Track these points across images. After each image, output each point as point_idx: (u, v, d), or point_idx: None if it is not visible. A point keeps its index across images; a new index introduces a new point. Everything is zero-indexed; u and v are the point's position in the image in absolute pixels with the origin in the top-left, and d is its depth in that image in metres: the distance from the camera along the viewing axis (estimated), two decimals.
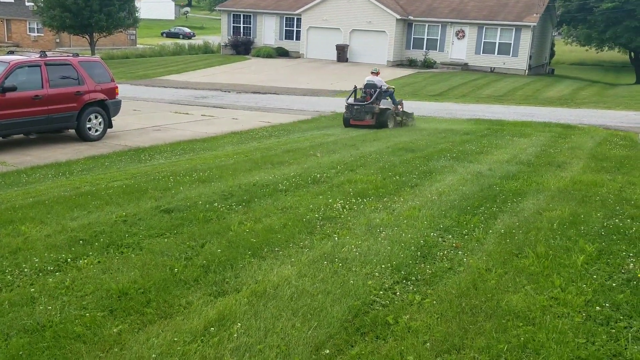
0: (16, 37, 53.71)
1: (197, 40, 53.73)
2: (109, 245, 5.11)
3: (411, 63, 35.49)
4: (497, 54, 34.17)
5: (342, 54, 36.33)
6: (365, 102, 15.00)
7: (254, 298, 3.99)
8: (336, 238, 5.38)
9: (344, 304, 3.90)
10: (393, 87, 16.37)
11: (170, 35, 69.31)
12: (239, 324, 3.59)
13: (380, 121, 15.05)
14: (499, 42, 34.10)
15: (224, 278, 4.41)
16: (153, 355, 3.24)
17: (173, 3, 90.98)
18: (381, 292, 4.17)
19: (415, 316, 3.79)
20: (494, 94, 25.61)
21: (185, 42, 52.35)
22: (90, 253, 4.91)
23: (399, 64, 35.63)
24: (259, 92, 25.16)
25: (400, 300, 4.06)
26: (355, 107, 15.00)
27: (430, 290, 4.24)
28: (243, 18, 40.55)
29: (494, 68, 34.08)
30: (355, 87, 15.68)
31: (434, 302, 4.02)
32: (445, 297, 4.09)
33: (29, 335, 3.44)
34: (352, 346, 3.42)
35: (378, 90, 15.09)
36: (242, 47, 39.83)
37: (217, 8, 47.62)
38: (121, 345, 3.37)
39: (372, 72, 15.70)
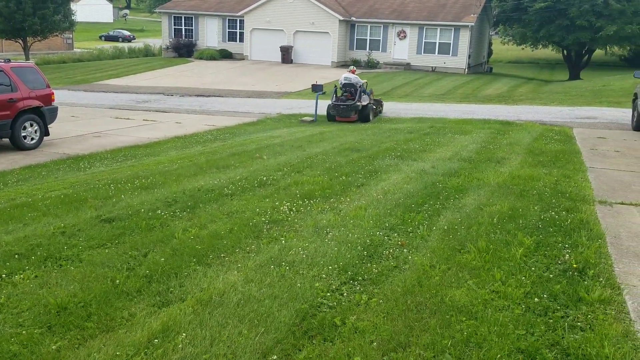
0: None
1: (138, 43, 52.50)
2: (46, 259, 4.92)
3: (355, 63, 35.85)
4: (438, 53, 34.98)
5: (286, 55, 36.32)
6: (350, 102, 16.88)
7: (200, 307, 3.92)
8: (283, 241, 5.36)
9: (291, 308, 3.89)
10: (365, 80, 18.20)
11: (109, 38, 67.46)
12: (184, 334, 3.52)
13: (362, 116, 17.01)
14: (439, 42, 34.91)
15: (168, 287, 4.32)
16: None
17: (111, 6, 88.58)
18: (328, 294, 4.18)
19: (362, 316, 3.82)
20: (436, 93, 26.20)
21: (125, 45, 51.03)
22: (27, 267, 4.71)
23: (343, 64, 35.91)
24: (203, 95, 24.81)
25: (348, 301, 4.08)
26: (341, 106, 16.94)
27: (377, 289, 4.28)
28: (184, 20, 39.92)
29: (435, 67, 34.86)
30: (336, 86, 17.69)
31: (381, 301, 4.06)
32: (391, 295, 4.14)
33: None
34: (300, 350, 3.41)
35: (358, 89, 16.92)
36: (184, 49, 39.21)
37: (157, 10, 46.64)
38: None
39: (348, 70, 17.48)
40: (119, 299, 4.08)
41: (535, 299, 4.06)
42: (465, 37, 34.10)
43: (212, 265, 4.79)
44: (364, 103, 16.97)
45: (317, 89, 18.01)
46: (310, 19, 35.63)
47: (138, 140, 13.69)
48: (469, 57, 35.04)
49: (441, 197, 7.03)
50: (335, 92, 17.43)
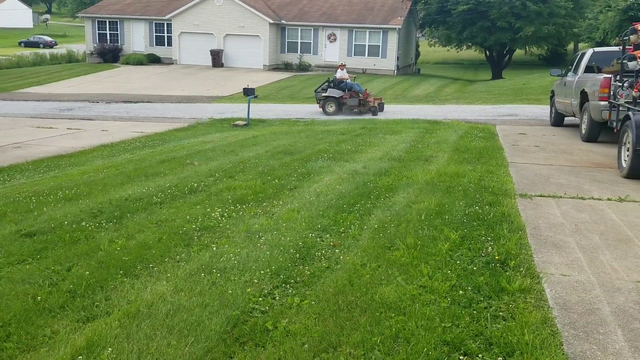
0: None
1: (60, 49, 50.42)
2: None
3: (287, 66, 35.94)
4: (368, 55, 35.62)
5: (217, 59, 35.92)
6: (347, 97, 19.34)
7: (126, 320, 3.81)
8: (214, 248, 5.30)
9: (222, 315, 3.85)
10: (350, 76, 20.54)
11: (30, 44, 64.43)
12: (110, 348, 3.41)
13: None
14: (369, 45, 35.56)
15: (93, 302, 4.17)
16: None
17: (31, 10, 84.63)
18: (260, 299, 4.17)
19: (294, 319, 3.83)
20: None
21: (47, 51, 48.90)
22: None
23: (275, 67, 35.91)
24: (131, 101, 24.14)
25: (280, 305, 4.08)
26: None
27: (309, 291, 4.31)
28: (109, 24, 38.72)
29: (365, 69, 35.46)
30: (328, 79, 20.33)
31: (313, 302, 4.08)
32: (323, 296, 4.17)
33: None
34: (231, 357, 3.38)
35: (351, 84, 19.64)
36: (109, 54, 38.04)
37: (79, 15, 44.99)
38: None
39: (339, 67, 20.40)
40: (40, 317, 3.90)
41: (460, 292, 4.21)
42: (393, 40, 34.90)
43: (140, 277, 4.67)
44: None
45: (249, 92, 17.92)
46: (239, 22, 35.40)
47: (62, 149, 13.14)
48: (398, 59, 35.89)
49: (372, 197, 7.15)
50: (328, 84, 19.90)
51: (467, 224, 5.84)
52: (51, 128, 16.76)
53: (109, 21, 38.52)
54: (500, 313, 3.91)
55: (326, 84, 19.77)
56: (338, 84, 19.50)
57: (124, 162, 10.94)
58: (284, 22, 35.86)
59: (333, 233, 5.76)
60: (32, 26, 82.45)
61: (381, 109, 19.73)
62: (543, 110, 18.29)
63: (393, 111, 19.81)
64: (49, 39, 67.21)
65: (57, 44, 64.14)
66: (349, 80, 19.71)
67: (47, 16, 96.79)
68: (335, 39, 35.75)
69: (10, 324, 3.79)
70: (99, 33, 38.84)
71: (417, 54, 49.45)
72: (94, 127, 17.08)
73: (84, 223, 6.18)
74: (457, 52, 50.16)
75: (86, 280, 4.50)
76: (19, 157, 12.15)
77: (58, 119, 18.94)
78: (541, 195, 7.40)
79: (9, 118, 19.11)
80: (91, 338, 3.53)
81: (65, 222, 6.20)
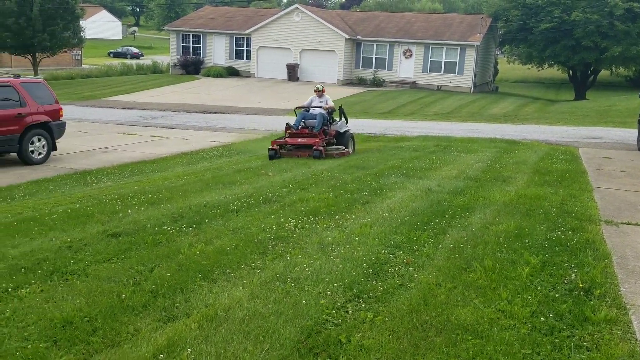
0: None
1: (146, 60, 53.02)
2: (52, 273, 4.93)
3: (361, 81, 36.09)
4: (444, 72, 35.18)
5: (292, 73, 36.60)
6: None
7: (205, 322, 3.92)
8: (288, 258, 5.37)
9: (297, 325, 3.89)
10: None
11: (118, 55, 68.17)
12: (189, 349, 3.52)
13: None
14: (445, 61, 35.12)
15: (173, 303, 4.32)
16: None
17: (120, 23, 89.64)
18: (333, 311, 4.17)
19: (367, 334, 3.81)
20: (441, 112, 26.29)
21: (133, 62, 51.55)
22: (33, 281, 4.72)
23: (348, 82, 36.15)
24: (210, 112, 24.99)
25: (353, 319, 4.07)
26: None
27: (382, 307, 4.27)
28: (192, 38, 40.35)
29: (441, 86, 35.02)
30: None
31: (386, 319, 4.05)
32: (396, 313, 4.13)
33: None
34: None
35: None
36: (191, 66, 39.57)
37: (165, 28, 47.19)
38: None
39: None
40: (124, 314, 4.08)
41: (542, 318, 4.04)
42: (471, 57, 34.31)
43: (217, 281, 4.80)
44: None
45: None
46: (316, 37, 35.95)
47: (145, 156, 13.77)
48: (475, 76, 35.22)
49: (447, 216, 7.03)
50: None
51: (549, 249, 5.61)
52: (135, 135, 17.61)
53: (193, 34, 40.17)
54: (584, 343, 3.73)
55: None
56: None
57: (203, 170, 11.33)
58: (359, 37, 36.10)
59: (406, 250, 5.69)
60: (120, 38, 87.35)
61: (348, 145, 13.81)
62: (630, 134, 17.36)
63: (469, 129, 19.41)
64: (135, 50, 70.90)
65: (143, 55, 67.53)
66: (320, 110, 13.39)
67: (135, 28, 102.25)
68: (411, 55, 35.59)
69: (97, 319, 3.99)
70: (182, 46, 40.57)
71: (496, 72, 48.33)
72: (175, 136, 17.79)
73: (165, 226, 6.43)
74: (538, 70, 48.59)
75: (167, 282, 4.67)
76: (106, 161, 12.84)
77: (142, 127, 19.88)
78: (628, 223, 7.01)
79: (97, 124, 20.25)
80: (172, 338, 3.66)
81: (148, 225, 6.48)
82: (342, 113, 14.06)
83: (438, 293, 4.51)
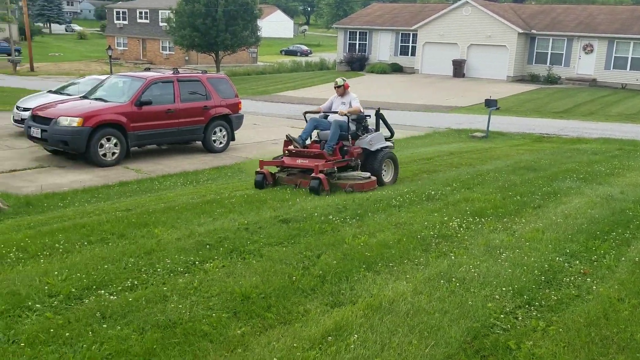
0: (150, 55, 58.47)
1: (314, 58, 55.27)
2: (232, 251, 5.38)
3: (533, 78, 34.00)
4: (630, 69, 31.76)
5: (458, 69, 35.62)
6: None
7: (370, 311, 4.01)
8: (452, 257, 5.27)
9: (462, 325, 3.81)
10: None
11: (289, 52, 71.88)
12: (356, 335, 3.63)
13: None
14: (632, 57, 31.67)
15: (339, 289, 4.48)
16: (274, 359, 3.36)
17: (292, 22, 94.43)
18: (502, 316, 4.02)
19: (539, 343, 3.61)
20: (625, 112, 23.79)
21: (303, 59, 54.03)
22: (216, 257, 5.20)
23: (519, 79, 34.26)
24: (372, 108, 25.27)
25: (523, 326, 3.89)
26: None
27: (556, 317, 4.02)
28: (359, 35, 41.12)
29: (626, 84, 31.67)
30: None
31: (560, 330, 3.80)
32: (572, 325, 3.85)
33: (162, 331, 3.71)
34: None
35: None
36: (356, 63, 40.36)
37: (334, 26, 48.74)
38: (244, 346, 3.54)
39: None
40: (295, 295, 4.33)
41: None
42: None
43: (380, 273, 4.88)
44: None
45: (490, 103, 17.41)
46: (486, 32, 34.57)
47: None
48: None
49: (631, 226, 6.38)
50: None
51: None
52: (302, 128, 18.44)
53: (359, 31, 40.95)
54: None
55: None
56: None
57: None
58: (534, 31, 33.98)
59: (583, 260, 5.28)
60: (292, 36, 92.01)
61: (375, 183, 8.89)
62: None
63: None
64: (305, 47, 74.21)
65: (311, 53, 70.48)
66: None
67: (306, 27, 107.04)
68: (591, 50, 32.67)
69: (271, 297, 4.28)
70: (349, 43, 41.56)
71: None
72: None
73: (330, 216, 6.68)
74: None
75: (333, 269, 4.85)
76: (276, 152, 13.61)
77: None
78: None
79: (269, 117, 21.57)
80: (339, 322, 3.81)
81: (315, 214, 6.77)
82: (379, 120, 9.75)
83: (620, 308, 4.13)
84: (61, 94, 15.05)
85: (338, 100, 9.38)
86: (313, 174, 8.33)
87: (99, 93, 12.82)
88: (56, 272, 4.68)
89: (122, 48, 60.31)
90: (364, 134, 9.24)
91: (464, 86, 32.00)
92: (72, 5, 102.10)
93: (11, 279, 4.54)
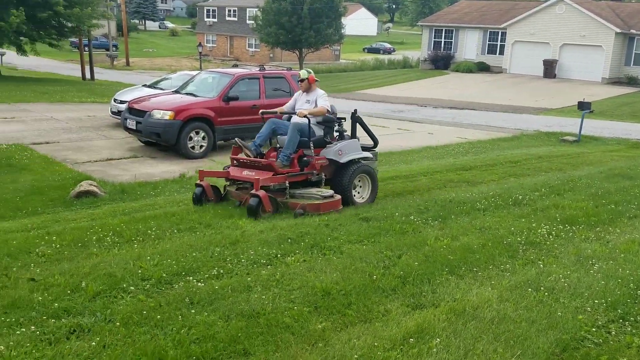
0: (237, 52, 60.21)
1: (397, 56, 54.75)
2: (313, 246, 5.45)
3: (631, 81, 31.96)
4: None
5: (549, 69, 34.10)
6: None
7: (453, 316, 3.94)
8: (541, 265, 5.07)
9: (551, 336, 3.66)
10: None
11: (371, 50, 71.62)
12: (438, 339, 3.57)
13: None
14: None
15: (421, 291, 4.43)
16: (355, 356, 3.37)
17: (376, 19, 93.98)
18: (593, 329, 3.82)
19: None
20: None
21: (385, 57, 53.68)
22: (297, 251, 5.28)
23: (615, 81, 32.32)
24: (456, 108, 24.76)
25: (616, 341, 3.68)
26: None
27: None
28: (444, 33, 40.30)
29: None
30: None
31: None
32: None
33: (246, 320, 3.82)
34: None
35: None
36: (441, 61, 39.60)
37: (419, 23, 48.07)
38: (325, 341, 3.57)
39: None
40: (375, 294, 4.32)
41: None
42: None
43: (464, 277, 4.77)
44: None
45: (584, 106, 16.55)
46: (580, 31, 32.86)
47: (392, 147, 14.27)
48: None
49: None
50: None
51: None
52: (383, 127, 18.33)
53: (445, 29, 40.12)
54: None
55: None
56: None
57: (448, 165, 11.30)
58: (633, 31, 31.89)
59: None
60: (375, 34, 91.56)
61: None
62: None
63: None
64: (388, 45, 73.67)
65: (395, 51, 69.85)
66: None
67: (389, 25, 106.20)
68: None
69: (351, 294, 4.29)
70: (434, 41, 40.82)
71: None
72: (420, 130, 18.08)
73: (412, 217, 6.60)
74: None
75: (415, 270, 4.80)
76: None
77: (390, 119, 20.62)
78: None
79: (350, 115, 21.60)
80: (421, 325, 3.76)
81: (396, 214, 6.72)
82: (356, 125, 8.16)
83: None
84: (154, 88, 15.80)
85: (303, 97, 7.76)
86: (252, 191, 6.75)
87: (189, 88, 13.35)
88: (148, 257, 4.93)
89: (210, 45, 62.47)
90: (333, 141, 7.56)
91: (555, 87, 30.61)
92: (165, 3, 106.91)
93: (108, 262, 4.83)
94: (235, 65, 16.35)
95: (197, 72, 16.26)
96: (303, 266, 4.90)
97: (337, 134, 7.84)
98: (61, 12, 24.80)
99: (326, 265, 4.90)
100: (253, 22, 45.14)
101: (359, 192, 7.72)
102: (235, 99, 12.51)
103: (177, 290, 4.28)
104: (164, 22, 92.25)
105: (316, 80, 7.75)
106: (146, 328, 3.64)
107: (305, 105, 7.59)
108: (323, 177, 7.34)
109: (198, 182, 7.31)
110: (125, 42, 40.97)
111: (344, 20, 44.24)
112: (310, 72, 7.71)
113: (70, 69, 40.07)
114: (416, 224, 6.37)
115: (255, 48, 57.83)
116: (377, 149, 8.40)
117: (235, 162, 7.40)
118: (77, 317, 3.77)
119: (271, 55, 55.24)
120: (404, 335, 3.62)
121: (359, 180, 7.70)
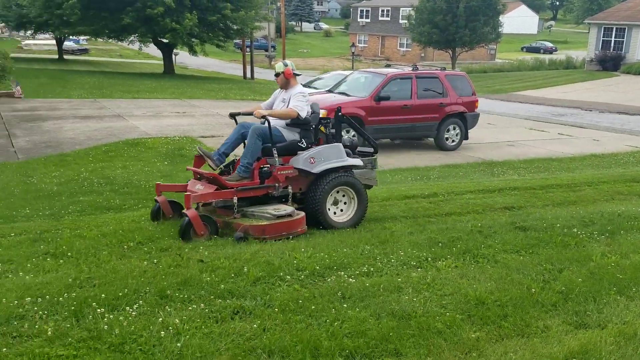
0: (387, 52, 60.46)
1: (559, 55, 51.15)
2: (465, 252, 5.30)
3: None
4: None
5: None
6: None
7: (622, 339, 3.60)
8: None
9: None
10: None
11: (531, 50, 67.78)
12: None
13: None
14: None
15: (585, 310, 4.11)
16: None
17: (537, 17, 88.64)
18: None
19: None
20: None
21: (546, 57, 50.38)
22: (448, 256, 5.17)
23: None
24: (627, 113, 22.53)
25: None
26: None
27: None
28: (615, 31, 36.82)
29: None
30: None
31: None
32: None
33: (397, 320, 3.82)
34: None
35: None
36: (610, 62, 36.24)
37: (586, 21, 44.48)
38: (479, 351, 3.46)
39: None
40: (534, 308, 4.09)
41: None
42: None
43: (634, 299, 4.34)
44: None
45: None
46: None
47: (551, 153, 13.40)
48: None
49: None
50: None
51: None
52: (542, 131, 17.27)
53: (616, 27, 36.59)
54: None
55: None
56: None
57: (616, 176, 10.34)
58: None
59: None
60: (535, 32, 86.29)
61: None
62: None
63: None
64: (549, 44, 69.14)
65: (556, 50, 65.36)
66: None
67: (552, 23, 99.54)
68: None
69: (507, 306, 4.10)
70: (602, 40, 37.46)
71: None
72: (584, 135, 16.74)
73: (575, 229, 6.14)
74: None
75: (578, 287, 4.46)
76: (511, 154, 13.02)
77: (549, 123, 19.37)
78: None
79: (505, 117, 20.64)
80: (584, 345, 3.49)
81: (557, 225, 6.29)
82: (340, 126, 6.73)
83: None
84: (309, 87, 16.44)
85: (280, 96, 6.55)
86: (184, 210, 5.78)
87: (342, 87, 13.69)
88: (302, 249, 5.14)
89: (362, 45, 63.42)
90: (310, 145, 6.28)
91: None
92: (321, 4, 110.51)
93: (266, 250, 5.13)
94: (388, 65, 16.42)
95: (349, 72, 16.62)
96: (455, 272, 4.78)
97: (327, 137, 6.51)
98: (228, 15, 26.79)
99: (480, 274, 4.74)
100: (406, 21, 44.96)
101: (341, 210, 6.38)
102: (387, 98, 12.59)
103: (330, 283, 4.41)
104: (319, 23, 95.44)
105: (296, 75, 6.45)
106: (301, 317, 3.80)
107: (280, 105, 6.43)
108: (289, 191, 6.10)
109: (156, 197, 6.25)
110: (283, 43, 43.12)
111: (502, 18, 42.34)
112: (287, 65, 6.42)
113: (233, 68, 43.13)
114: (580, 237, 5.92)
115: (406, 47, 57.61)
116: (377, 155, 7.04)
117: (197, 174, 6.23)
118: (240, 299, 4.05)
119: (422, 54, 54.64)
120: (565, 355, 3.38)
121: (344, 195, 6.36)
